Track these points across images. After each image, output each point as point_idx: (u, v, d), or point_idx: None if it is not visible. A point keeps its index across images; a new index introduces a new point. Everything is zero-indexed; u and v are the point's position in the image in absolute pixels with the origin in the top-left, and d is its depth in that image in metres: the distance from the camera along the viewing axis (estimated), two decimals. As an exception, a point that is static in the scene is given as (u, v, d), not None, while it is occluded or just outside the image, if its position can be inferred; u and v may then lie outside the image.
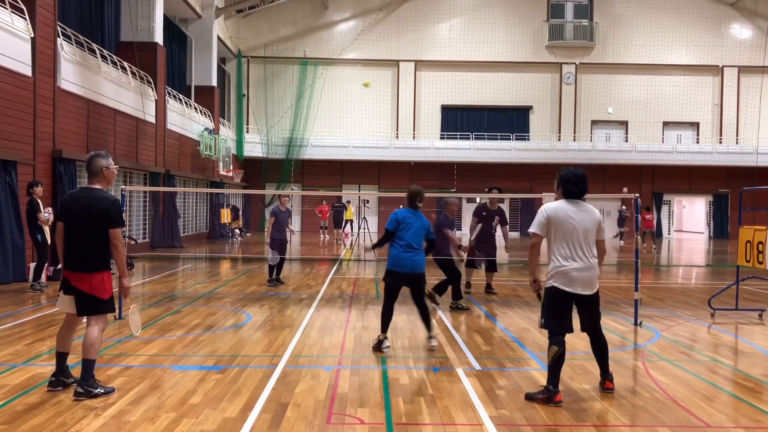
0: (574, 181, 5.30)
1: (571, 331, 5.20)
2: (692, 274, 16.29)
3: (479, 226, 10.99)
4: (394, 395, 5.25)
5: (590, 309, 5.29)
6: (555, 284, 5.17)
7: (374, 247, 7.22)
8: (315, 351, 6.81)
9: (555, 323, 5.17)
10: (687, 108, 35.62)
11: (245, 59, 34.38)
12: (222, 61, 32.55)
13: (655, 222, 25.01)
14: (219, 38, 29.12)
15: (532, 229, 5.32)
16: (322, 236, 27.92)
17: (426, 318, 6.96)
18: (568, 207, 5.27)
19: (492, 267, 11.38)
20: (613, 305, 10.00)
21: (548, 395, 5.05)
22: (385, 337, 6.79)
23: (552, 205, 5.31)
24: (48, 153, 13.87)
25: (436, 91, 35.25)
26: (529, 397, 5.16)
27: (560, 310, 5.18)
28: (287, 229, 12.54)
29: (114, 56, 18.34)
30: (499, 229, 11.20)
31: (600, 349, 5.37)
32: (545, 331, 7.94)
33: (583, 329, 5.38)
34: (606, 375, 5.40)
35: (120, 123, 18.03)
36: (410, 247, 6.77)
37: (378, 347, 6.73)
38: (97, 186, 5.30)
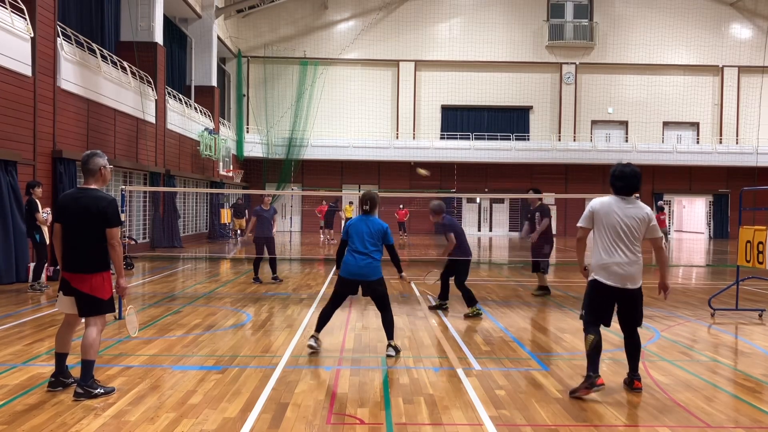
0: (619, 177, 5.39)
1: (608, 324, 5.34)
2: (692, 274, 16.28)
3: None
4: (394, 395, 5.25)
5: (631, 305, 5.33)
6: (597, 278, 5.31)
7: (338, 266, 6.82)
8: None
9: (593, 314, 5.33)
10: (687, 108, 35.63)
11: (245, 59, 34.39)
12: (222, 61, 32.55)
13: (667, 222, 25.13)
14: (219, 38, 29.11)
15: (579, 224, 5.50)
16: (322, 236, 27.92)
17: (387, 325, 6.75)
18: (614, 202, 5.37)
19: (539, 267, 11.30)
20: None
21: (590, 381, 5.17)
22: (315, 338, 6.70)
23: (599, 200, 5.46)
24: (48, 153, 13.88)
25: (436, 91, 35.26)
26: (573, 392, 5.25)
27: (600, 302, 5.32)
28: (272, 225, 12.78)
29: (114, 56, 18.34)
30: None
31: (633, 348, 5.40)
32: (545, 331, 8.00)
33: (621, 325, 5.44)
34: (634, 374, 5.43)
35: (120, 123, 18.03)
36: (357, 251, 6.64)
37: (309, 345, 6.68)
38: (94, 186, 5.29)
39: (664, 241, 21.38)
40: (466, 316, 8.97)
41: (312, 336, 6.74)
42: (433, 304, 9.79)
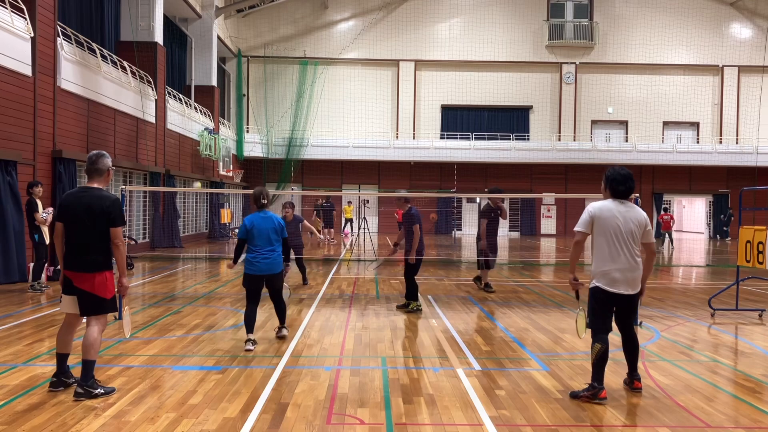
0: (621, 180, 5.31)
1: (611, 329, 5.25)
2: (692, 274, 16.28)
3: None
4: (394, 395, 5.25)
5: (628, 307, 5.31)
6: (598, 284, 5.22)
7: (235, 261, 7.12)
8: (315, 351, 6.81)
9: (599, 322, 5.23)
10: (687, 108, 35.63)
11: (245, 59, 34.38)
12: (222, 60, 32.54)
13: (672, 223, 25.20)
14: (219, 38, 29.11)
15: (577, 228, 5.33)
16: (321, 236, 27.94)
17: (281, 313, 7.34)
18: (614, 207, 5.26)
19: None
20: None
21: (593, 392, 5.13)
22: (249, 339, 6.78)
23: (598, 204, 5.31)
24: (48, 153, 13.87)
25: (436, 90, 35.25)
26: (574, 395, 5.23)
27: (604, 309, 5.24)
28: (302, 234, 12.42)
29: (114, 56, 18.34)
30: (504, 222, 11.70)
31: (631, 347, 5.38)
32: (545, 331, 7.99)
33: (618, 326, 5.41)
34: (634, 374, 5.42)
35: (120, 123, 18.03)
36: (263, 248, 6.89)
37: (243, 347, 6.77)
38: (97, 185, 5.30)
39: (669, 242, 21.17)
40: (407, 310, 9.23)
41: (249, 340, 6.77)
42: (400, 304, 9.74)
